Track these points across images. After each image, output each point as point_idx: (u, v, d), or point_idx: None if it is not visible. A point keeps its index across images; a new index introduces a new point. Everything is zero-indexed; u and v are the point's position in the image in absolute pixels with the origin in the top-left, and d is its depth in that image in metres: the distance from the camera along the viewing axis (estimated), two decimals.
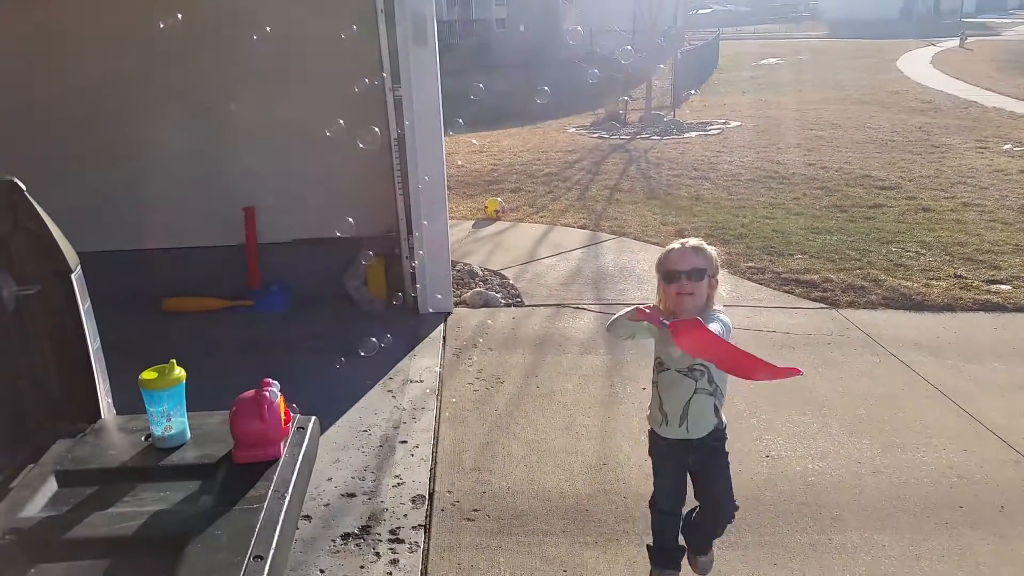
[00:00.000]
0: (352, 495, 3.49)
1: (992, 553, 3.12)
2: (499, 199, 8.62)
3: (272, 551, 1.74)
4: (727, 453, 2.71)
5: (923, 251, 6.95)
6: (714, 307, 2.59)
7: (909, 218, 8.07)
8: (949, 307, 5.79)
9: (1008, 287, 6.12)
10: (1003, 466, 3.74)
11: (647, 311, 2.40)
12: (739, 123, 14.89)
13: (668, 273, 2.56)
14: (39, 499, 2.00)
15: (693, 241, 2.62)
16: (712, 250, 2.59)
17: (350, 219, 4.20)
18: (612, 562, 3.06)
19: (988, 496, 3.50)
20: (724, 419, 2.67)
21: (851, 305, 5.83)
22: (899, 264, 6.61)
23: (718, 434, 2.67)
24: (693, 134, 13.96)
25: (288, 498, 1.94)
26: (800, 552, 3.10)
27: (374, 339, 3.41)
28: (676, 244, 2.60)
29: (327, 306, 5.72)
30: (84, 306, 2.44)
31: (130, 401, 2.44)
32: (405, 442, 3.94)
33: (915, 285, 6.12)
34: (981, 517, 3.35)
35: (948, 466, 3.73)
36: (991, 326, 5.51)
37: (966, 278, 6.28)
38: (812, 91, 19.51)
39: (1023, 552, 3.13)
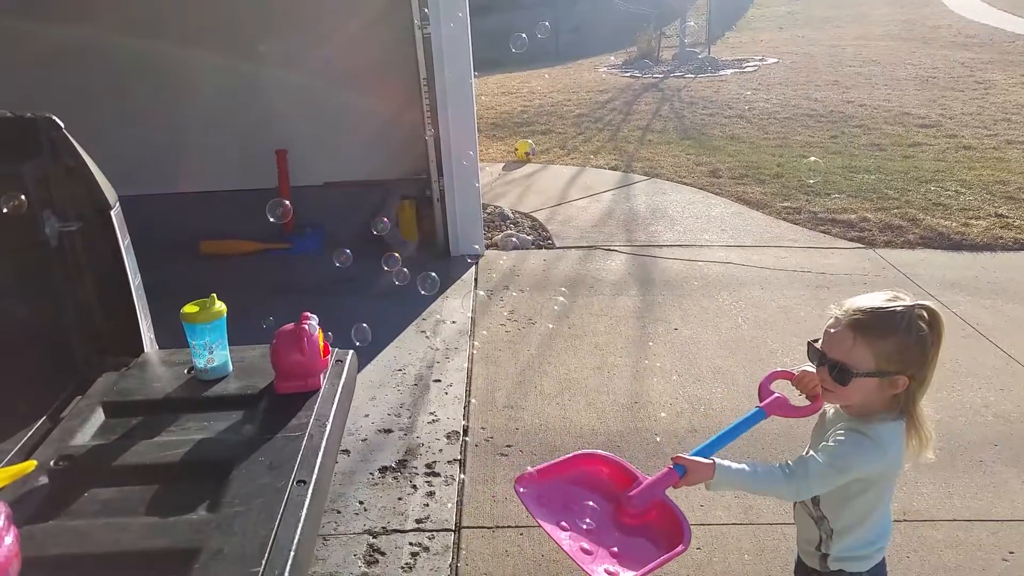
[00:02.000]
0: (389, 431, 3.57)
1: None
2: (529, 141, 8.54)
3: (315, 476, 1.80)
4: None
5: (963, 190, 6.78)
6: (884, 420, 1.67)
7: (949, 156, 7.86)
8: (988, 247, 5.67)
9: None
10: None
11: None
12: (776, 60, 14.48)
13: (810, 345, 1.75)
14: (88, 429, 2.07)
15: (863, 306, 1.63)
16: (896, 336, 1.60)
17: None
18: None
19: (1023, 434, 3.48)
20: (833, 560, 1.79)
21: (888, 245, 5.74)
22: (938, 203, 6.46)
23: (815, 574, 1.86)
24: (728, 72, 13.62)
25: (329, 427, 1.99)
26: None
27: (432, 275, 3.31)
28: (845, 305, 1.67)
29: (360, 248, 5.75)
30: (124, 242, 2.49)
31: (172, 340, 2.50)
32: (439, 381, 3.99)
33: (954, 224, 5.99)
34: (1016, 455, 3.33)
35: (983, 405, 3.70)
36: None
37: (1007, 217, 6.13)
38: (851, 26, 18.86)
39: None
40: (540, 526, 1.77)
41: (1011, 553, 2.78)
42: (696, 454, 1.75)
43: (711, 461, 1.70)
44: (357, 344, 2.44)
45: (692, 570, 2.71)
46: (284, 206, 2.64)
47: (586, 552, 1.70)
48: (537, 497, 1.82)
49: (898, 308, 1.60)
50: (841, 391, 1.66)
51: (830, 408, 1.82)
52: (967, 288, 5.00)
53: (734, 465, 1.71)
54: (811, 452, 1.75)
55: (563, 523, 1.76)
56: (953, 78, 11.89)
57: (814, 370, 1.79)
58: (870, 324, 1.60)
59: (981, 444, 3.41)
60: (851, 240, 5.84)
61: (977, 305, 4.75)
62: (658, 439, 3.46)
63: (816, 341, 1.71)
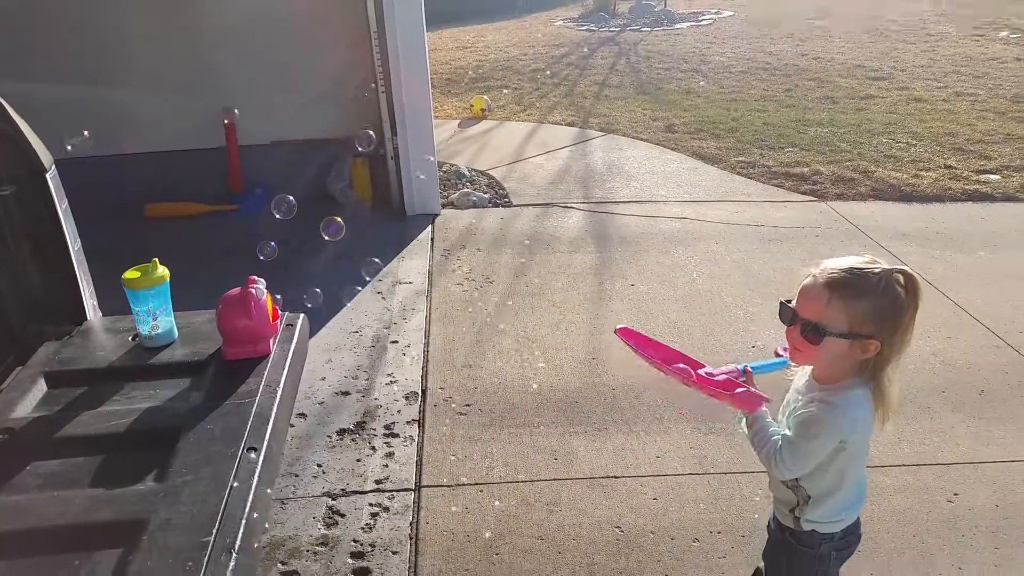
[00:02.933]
0: (346, 393, 3.53)
1: (971, 435, 3.20)
2: (485, 97, 8.42)
3: (266, 443, 1.76)
4: (791, 560, 1.89)
5: (914, 142, 6.88)
6: (852, 387, 1.66)
7: (900, 109, 7.95)
8: (938, 198, 5.78)
9: (998, 177, 6.09)
10: (985, 352, 3.81)
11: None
12: (732, 12, 14.45)
13: (782, 305, 1.71)
14: (29, 400, 2.00)
15: (840, 266, 1.62)
16: (871, 298, 1.57)
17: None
18: (600, 449, 3.13)
19: (970, 381, 3.58)
20: (806, 522, 1.80)
21: (840, 197, 5.81)
22: (889, 156, 6.55)
23: (788, 531, 1.88)
24: (684, 25, 13.56)
25: (280, 392, 1.95)
26: None
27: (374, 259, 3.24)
28: (822, 264, 1.66)
29: (312, 209, 5.64)
30: (62, 207, 2.39)
31: (118, 307, 2.42)
32: (396, 342, 3.96)
33: (904, 176, 6.08)
34: (962, 401, 3.43)
35: (932, 353, 3.79)
36: (979, 216, 5.51)
37: (956, 168, 6.24)
38: None
39: (1001, 433, 3.22)
40: (640, 354, 1.84)
41: (955, 495, 2.87)
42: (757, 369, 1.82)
43: (762, 401, 1.73)
44: (308, 307, 2.39)
45: (649, 520, 2.75)
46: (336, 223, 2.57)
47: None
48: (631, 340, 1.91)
49: (876, 270, 1.58)
50: (811, 351, 1.64)
51: (800, 378, 1.81)
52: (917, 239, 5.10)
53: (768, 420, 1.75)
54: (783, 425, 1.77)
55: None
56: (906, 30, 12.00)
57: None
58: (846, 283, 1.58)
59: (929, 391, 3.50)
60: (804, 193, 5.90)
61: (927, 256, 4.84)
62: (615, 392, 3.49)
63: (789, 301, 1.69)
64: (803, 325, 1.63)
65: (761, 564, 2.09)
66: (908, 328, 1.60)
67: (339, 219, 2.53)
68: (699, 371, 1.79)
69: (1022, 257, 4.87)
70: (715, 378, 1.79)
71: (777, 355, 1.87)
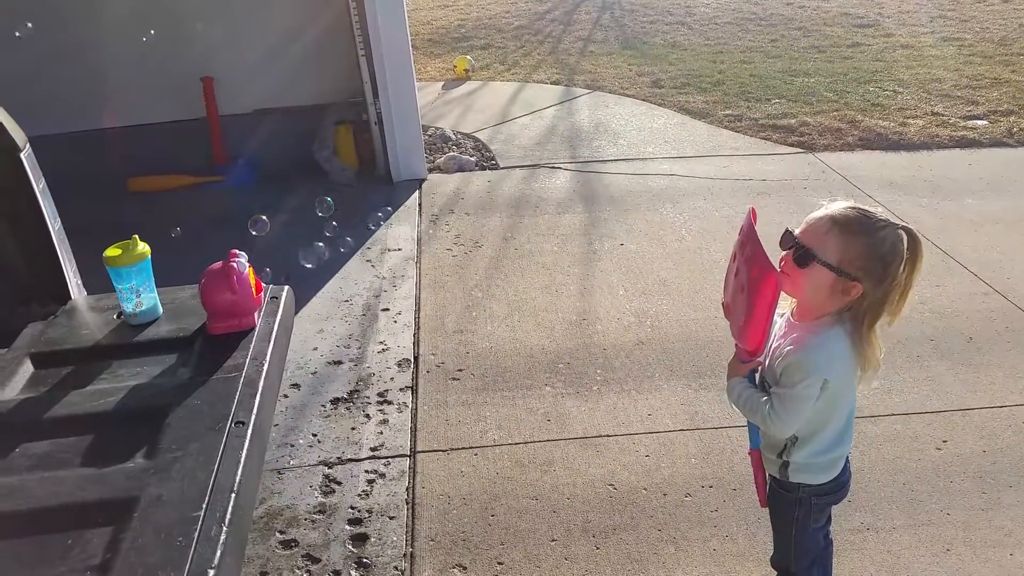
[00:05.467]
0: (339, 362, 3.54)
1: (960, 383, 3.23)
2: (468, 57, 8.30)
3: (254, 416, 1.76)
4: (790, 511, 1.91)
5: (900, 89, 6.83)
6: (828, 325, 1.68)
7: (887, 56, 7.89)
8: (925, 145, 5.76)
9: (985, 122, 6.07)
10: (973, 299, 3.83)
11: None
12: None
13: (787, 231, 1.72)
14: (16, 382, 1.99)
15: (850, 205, 1.65)
16: (868, 239, 1.61)
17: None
18: (593, 409, 3.15)
19: (958, 328, 3.60)
20: (794, 472, 1.83)
21: (827, 148, 5.78)
22: (876, 104, 6.51)
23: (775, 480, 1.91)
24: None
25: (267, 365, 1.95)
26: None
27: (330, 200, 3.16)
28: (835, 202, 1.69)
29: (298, 178, 5.60)
30: (39, 186, 2.35)
31: (105, 285, 2.40)
32: (387, 309, 3.95)
33: (892, 125, 6.05)
34: (950, 349, 3.45)
35: (920, 301, 3.80)
36: (966, 162, 5.50)
37: (943, 115, 6.21)
38: None
39: (988, 380, 3.25)
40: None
41: (944, 442, 2.90)
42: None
43: (745, 370, 1.80)
44: (308, 267, 2.37)
45: (641, 476, 2.78)
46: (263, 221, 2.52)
47: None
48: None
49: (881, 217, 1.63)
50: (797, 276, 1.66)
51: (779, 325, 1.81)
52: (905, 187, 5.09)
53: (750, 388, 1.78)
54: (768, 386, 1.78)
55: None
56: None
57: None
58: (849, 219, 1.62)
59: (918, 340, 3.52)
60: (791, 145, 5.87)
61: (915, 204, 4.84)
62: (607, 352, 3.50)
63: (794, 230, 1.72)
64: (796, 247, 1.66)
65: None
66: (897, 285, 1.62)
67: (264, 217, 2.50)
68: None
69: (1010, 203, 4.87)
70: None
71: None
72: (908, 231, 1.62)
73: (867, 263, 1.60)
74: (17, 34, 2.68)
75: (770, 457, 1.87)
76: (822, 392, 1.68)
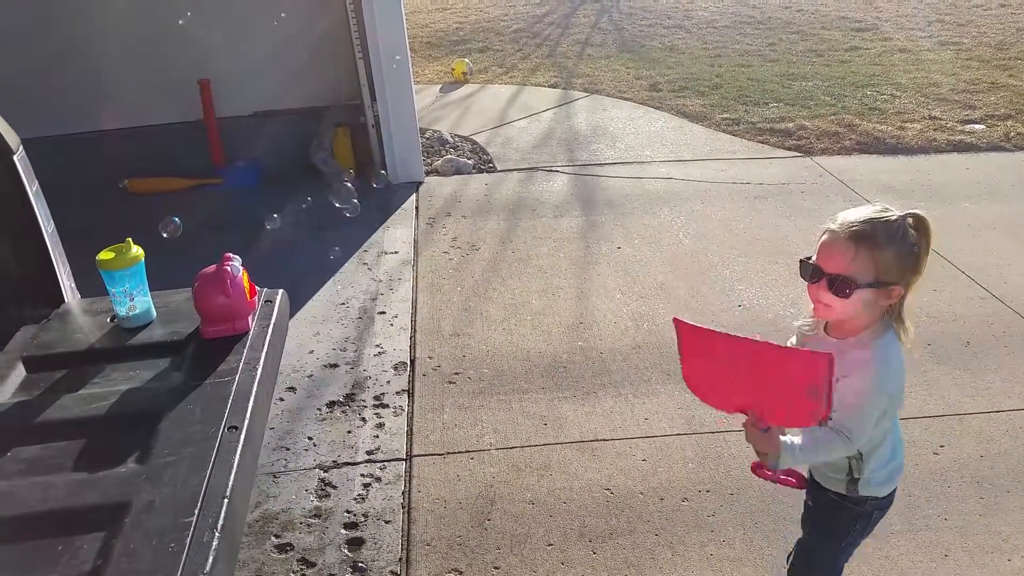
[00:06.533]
0: (335, 365, 3.53)
1: (957, 387, 3.23)
2: (466, 60, 8.30)
3: (246, 421, 1.75)
4: (850, 523, 1.84)
5: (898, 93, 6.84)
6: (880, 335, 1.65)
7: (885, 60, 7.90)
8: (923, 149, 5.77)
9: (982, 126, 6.07)
10: (970, 303, 3.83)
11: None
12: None
13: (803, 263, 1.66)
14: (8, 386, 1.97)
15: (859, 218, 1.59)
16: (894, 245, 1.57)
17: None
18: (590, 413, 3.14)
19: (955, 333, 3.60)
20: (864, 485, 1.76)
21: (825, 152, 5.78)
22: (873, 108, 6.51)
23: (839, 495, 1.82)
24: None
25: (260, 369, 1.93)
26: None
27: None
28: (839, 219, 1.62)
29: (296, 180, 5.59)
30: (32, 188, 2.34)
31: (101, 288, 2.39)
32: (384, 313, 3.94)
33: (889, 128, 6.06)
34: (947, 353, 3.45)
35: (917, 306, 3.74)
36: (963, 166, 5.51)
37: (940, 119, 6.21)
38: None
39: (986, 385, 3.24)
40: (709, 331, 1.57)
41: (941, 447, 2.90)
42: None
43: (784, 443, 1.63)
44: (268, 228, 2.32)
45: (638, 481, 2.77)
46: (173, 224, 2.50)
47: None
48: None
49: (892, 217, 1.59)
50: (840, 305, 1.60)
51: (812, 338, 1.74)
52: (902, 191, 5.09)
53: (794, 441, 1.64)
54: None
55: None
56: None
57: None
58: (870, 234, 1.57)
59: (914, 344, 3.50)
60: (789, 149, 5.88)
61: (912, 208, 4.83)
62: (603, 356, 3.49)
63: (808, 258, 1.66)
64: (830, 280, 1.59)
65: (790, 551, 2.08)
66: (924, 267, 1.63)
67: (176, 218, 2.49)
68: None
69: (1007, 207, 4.87)
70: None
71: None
72: (913, 216, 1.61)
73: (901, 265, 1.59)
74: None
75: (835, 477, 1.79)
76: (888, 402, 1.66)
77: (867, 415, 1.62)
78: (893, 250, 1.57)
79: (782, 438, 1.62)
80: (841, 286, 1.58)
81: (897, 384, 1.67)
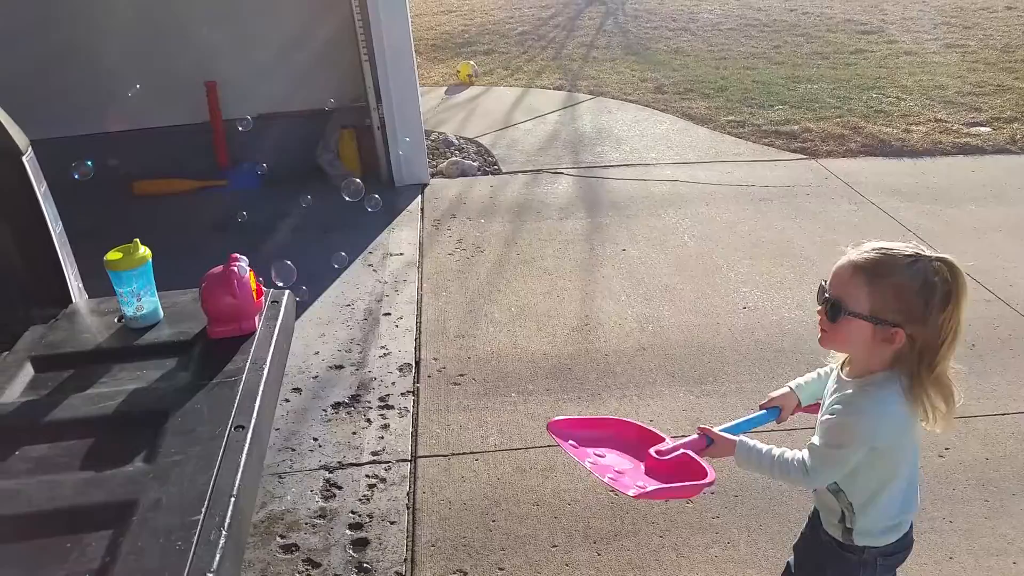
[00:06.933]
0: (340, 367, 3.54)
1: (962, 389, 3.21)
2: (471, 62, 8.31)
3: (253, 421, 1.76)
4: (854, 572, 1.71)
5: (904, 96, 6.83)
6: (879, 384, 1.54)
7: (890, 62, 7.89)
8: (928, 152, 5.76)
9: (988, 129, 6.06)
10: (975, 306, 3.81)
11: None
12: None
13: (820, 286, 1.60)
14: (17, 385, 1.99)
15: (876, 246, 1.51)
16: (897, 279, 1.47)
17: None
18: (595, 414, 3.14)
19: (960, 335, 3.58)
20: (858, 536, 1.66)
21: (830, 154, 5.78)
22: (879, 111, 6.51)
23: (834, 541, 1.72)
24: None
25: (266, 370, 1.94)
26: None
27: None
28: (860, 245, 1.55)
29: (301, 181, 5.61)
30: (41, 189, 2.35)
31: (107, 287, 2.41)
32: (389, 314, 3.95)
33: (895, 131, 6.05)
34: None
35: None
36: (969, 169, 5.50)
37: (946, 122, 6.20)
38: None
39: (991, 387, 3.24)
40: (572, 455, 1.72)
41: (946, 449, 2.89)
42: (724, 431, 1.71)
43: (735, 439, 1.67)
44: (279, 286, 2.36)
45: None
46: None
47: (617, 474, 1.67)
48: (568, 437, 1.77)
49: (907, 252, 1.48)
50: (832, 331, 1.55)
51: (832, 374, 1.70)
52: (908, 194, 5.08)
53: (759, 447, 1.65)
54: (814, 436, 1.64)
55: (592, 460, 1.73)
56: None
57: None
58: (872, 262, 1.49)
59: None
60: (794, 151, 5.87)
61: (917, 211, 4.83)
62: (608, 358, 3.50)
63: (825, 281, 1.60)
64: (827, 301, 1.54)
65: (791, 558, 1.95)
66: (945, 324, 1.47)
67: (89, 161, 2.53)
68: (653, 448, 1.69)
69: (1013, 210, 4.86)
70: (667, 458, 1.67)
71: (762, 408, 1.82)
72: (945, 260, 1.47)
73: (903, 305, 1.47)
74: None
75: (831, 521, 1.72)
76: (874, 456, 1.56)
77: (831, 457, 1.56)
78: (893, 284, 1.47)
79: (743, 439, 1.67)
80: (833, 309, 1.52)
81: (881, 441, 1.55)
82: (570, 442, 1.75)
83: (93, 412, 1.85)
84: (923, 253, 1.48)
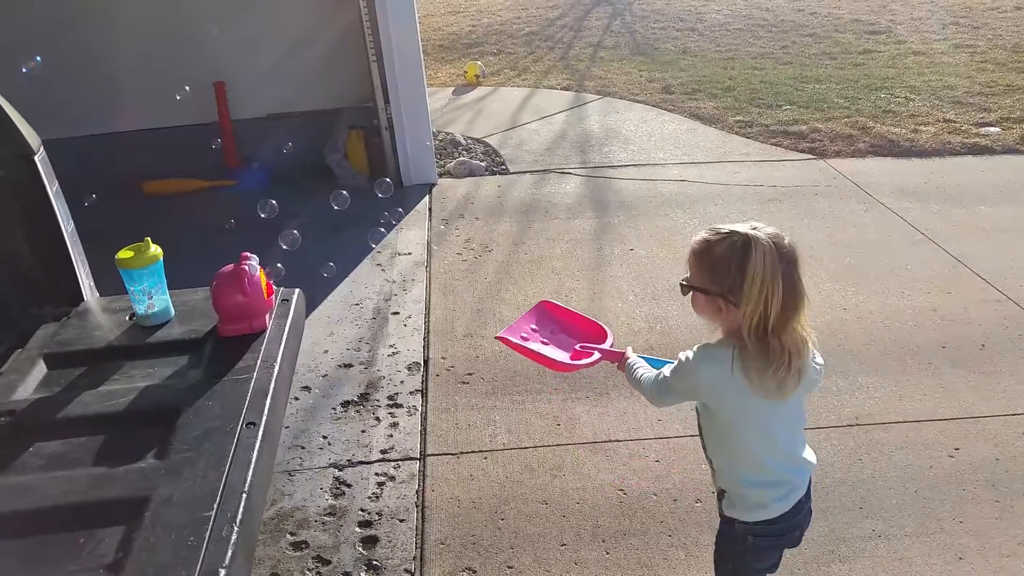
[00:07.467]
0: (349, 365, 3.55)
1: (972, 389, 3.21)
2: (479, 63, 8.32)
3: (264, 418, 1.77)
4: (732, 546, 1.86)
5: (912, 96, 6.81)
6: (716, 344, 1.71)
7: (899, 63, 7.86)
8: (937, 152, 5.74)
9: (997, 129, 6.04)
10: (985, 306, 3.81)
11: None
12: None
13: None
14: (30, 382, 2.01)
15: (700, 237, 1.68)
16: (712, 255, 1.64)
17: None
18: (603, 414, 3.14)
19: (970, 335, 3.58)
20: (723, 503, 1.83)
21: (839, 155, 5.77)
22: (887, 111, 6.49)
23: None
24: None
25: (277, 367, 1.95)
26: None
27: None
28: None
29: (309, 182, 5.62)
30: (53, 188, 2.37)
31: (119, 287, 2.43)
32: (397, 313, 3.96)
33: (903, 131, 6.03)
34: (963, 356, 3.43)
35: (932, 308, 3.78)
36: (979, 169, 5.48)
37: (955, 122, 6.18)
38: None
39: (1001, 388, 3.22)
40: (506, 342, 2.10)
41: (956, 450, 2.88)
42: (642, 357, 1.99)
43: (629, 356, 1.98)
44: (285, 248, 2.39)
45: (651, 482, 2.78)
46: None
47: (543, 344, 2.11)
48: (518, 334, 2.18)
49: (723, 231, 1.63)
50: (692, 304, 1.72)
51: None
52: (916, 194, 5.07)
53: (638, 368, 1.92)
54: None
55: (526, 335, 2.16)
56: None
57: None
58: (698, 242, 1.67)
59: (930, 347, 3.50)
60: (802, 151, 5.86)
61: (926, 211, 4.82)
62: None
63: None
64: (683, 281, 1.73)
65: None
66: (761, 292, 1.57)
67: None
68: (577, 345, 2.09)
69: (1022, 209, 4.84)
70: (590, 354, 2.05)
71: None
72: (744, 235, 1.60)
73: (720, 276, 1.62)
74: (24, 70, 2.70)
75: (714, 490, 1.87)
76: (712, 417, 1.73)
77: (666, 386, 1.79)
78: (710, 260, 1.64)
79: (634, 357, 1.97)
80: (682, 286, 1.72)
81: (704, 394, 1.72)
82: (522, 335, 2.15)
83: (105, 409, 1.87)
84: (737, 231, 1.61)
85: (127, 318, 2.26)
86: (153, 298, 2.17)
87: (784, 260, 1.58)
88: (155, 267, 2.15)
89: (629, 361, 1.96)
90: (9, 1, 5.19)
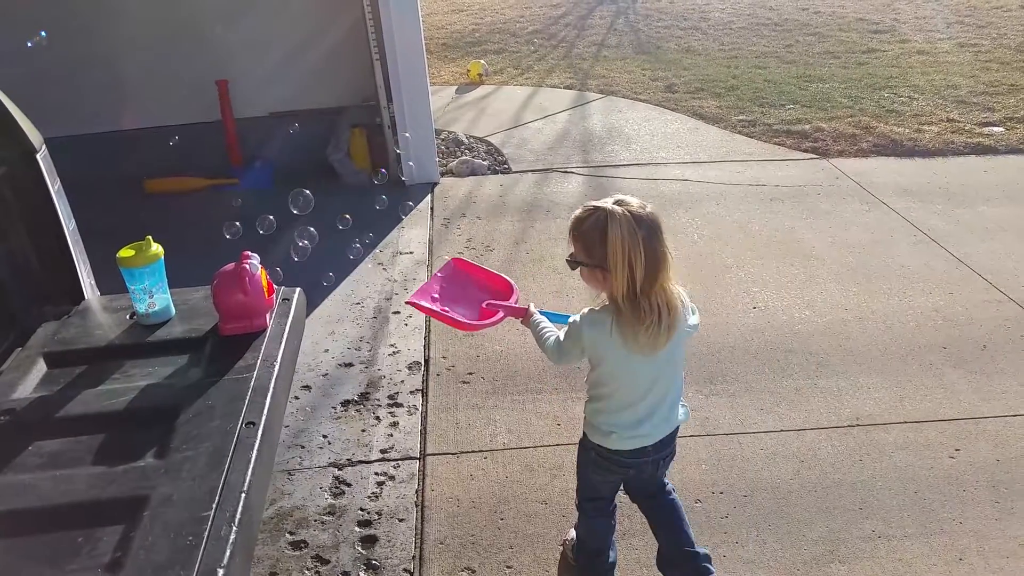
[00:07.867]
0: (349, 364, 3.55)
1: (973, 391, 3.21)
2: (482, 62, 8.32)
3: (264, 417, 1.77)
4: (584, 453, 2.22)
5: (916, 96, 6.79)
6: (598, 309, 1.93)
7: (903, 62, 7.84)
8: (940, 152, 5.72)
9: (1001, 129, 6.02)
10: (987, 307, 3.80)
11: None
12: None
13: None
14: (30, 380, 2.01)
15: (573, 215, 1.92)
16: (581, 230, 1.86)
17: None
18: None
19: (971, 336, 3.57)
20: (585, 410, 2.15)
21: (842, 154, 5.76)
22: (891, 110, 6.47)
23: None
24: None
25: (277, 367, 1.96)
26: (786, 397, 3.18)
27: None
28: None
29: (311, 180, 5.62)
30: (54, 187, 2.38)
31: (121, 286, 2.43)
32: (398, 313, 3.96)
33: (906, 131, 6.02)
34: (964, 357, 3.42)
35: (933, 309, 3.78)
36: (982, 169, 5.46)
37: (958, 121, 6.17)
38: None
39: (1002, 388, 3.22)
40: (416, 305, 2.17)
41: (957, 450, 2.88)
42: (544, 313, 2.17)
43: (533, 312, 2.15)
44: (295, 260, 2.42)
45: None
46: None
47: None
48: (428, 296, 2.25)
49: (589, 207, 1.85)
50: (581, 276, 1.92)
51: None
52: (919, 194, 5.06)
53: (542, 325, 2.10)
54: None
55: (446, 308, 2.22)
56: None
57: None
58: (574, 219, 1.89)
59: (931, 347, 3.49)
60: (805, 151, 5.85)
61: (928, 211, 4.81)
62: None
63: None
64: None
65: None
66: (623, 259, 1.78)
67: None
68: (485, 304, 2.21)
69: None
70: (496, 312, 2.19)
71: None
72: (601, 210, 1.80)
73: (591, 248, 1.83)
74: (29, 44, 2.71)
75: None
76: (595, 367, 1.99)
77: (563, 347, 2.02)
78: (581, 235, 1.86)
79: (537, 313, 2.14)
80: (568, 262, 1.93)
81: (589, 350, 1.96)
82: (432, 295, 2.22)
83: (105, 408, 1.87)
84: (600, 206, 1.82)
85: (128, 317, 2.26)
86: (154, 297, 2.18)
87: (643, 227, 1.78)
88: (156, 266, 2.16)
89: (533, 318, 2.12)
90: (17, 5, 5.20)
